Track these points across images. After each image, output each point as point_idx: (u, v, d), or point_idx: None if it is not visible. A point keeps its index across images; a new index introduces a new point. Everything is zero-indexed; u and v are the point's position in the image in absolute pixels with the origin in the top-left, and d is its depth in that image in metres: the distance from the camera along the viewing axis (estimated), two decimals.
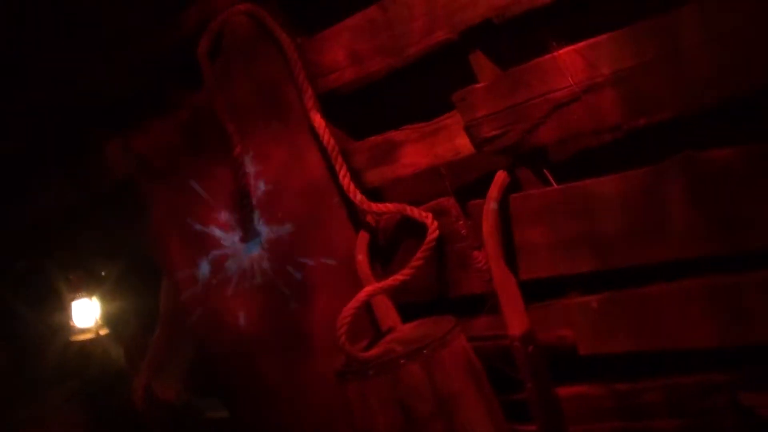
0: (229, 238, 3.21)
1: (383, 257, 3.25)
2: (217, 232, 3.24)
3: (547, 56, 2.50)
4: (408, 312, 3.10)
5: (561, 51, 2.46)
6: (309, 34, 3.24)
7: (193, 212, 3.32)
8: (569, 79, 2.45)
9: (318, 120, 3.10)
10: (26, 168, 4.38)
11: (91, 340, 5.46)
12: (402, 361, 2.60)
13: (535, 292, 2.83)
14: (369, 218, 3.19)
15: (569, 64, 2.44)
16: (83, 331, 5.47)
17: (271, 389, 3.31)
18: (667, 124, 2.37)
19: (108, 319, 5.32)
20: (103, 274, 5.18)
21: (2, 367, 5.64)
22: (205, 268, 3.30)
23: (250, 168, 3.16)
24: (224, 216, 3.25)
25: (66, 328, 5.54)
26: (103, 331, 5.43)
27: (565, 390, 2.84)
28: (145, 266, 3.75)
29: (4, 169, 4.37)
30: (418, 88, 3.11)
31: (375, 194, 3.19)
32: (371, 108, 3.27)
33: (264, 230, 3.16)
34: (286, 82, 3.17)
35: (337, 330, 2.69)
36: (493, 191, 2.78)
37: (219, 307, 3.33)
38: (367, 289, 2.91)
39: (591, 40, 2.40)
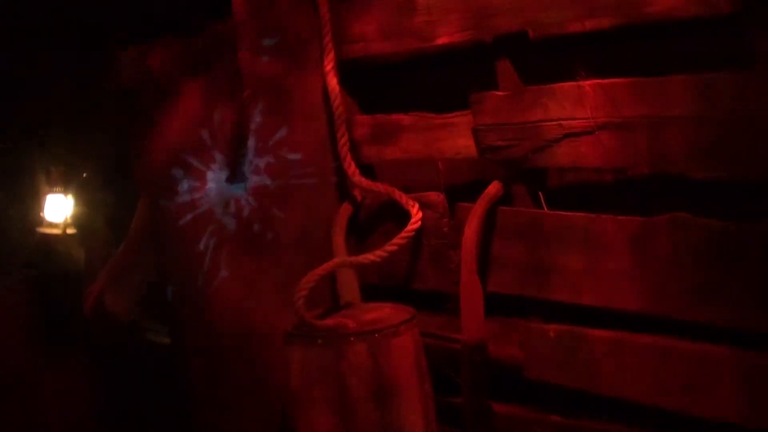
0: (215, 175, 3.20)
1: (360, 233, 3.26)
2: (205, 166, 3.23)
3: (572, 83, 2.49)
4: (369, 292, 3.11)
5: (587, 82, 2.45)
6: None
7: (186, 140, 3.30)
8: (588, 111, 2.45)
9: (333, 84, 3.10)
10: (36, 54, 4.35)
11: (57, 236, 5.45)
12: (352, 339, 2.61)
13: (498, 305, 2.84)
14: (356, 192, 3.20)
15: (591, 97, 2.43)
16: (51, 225, 5.45)
17: (218, 328, 3.29)
18: (673, 181, 2.36)
19: (77, 221, 5.31)
20: (84, 176, 5.16)
21: None
22: (184, 197, 3.28)
23: (256, 115, 3.14)
24: (216, 152, 3.23)
25: (36, 219, 5.52)
26: (71, 231, 5.41)
27: (501, 407, 2.85)
28: (126, 180, 3.73)
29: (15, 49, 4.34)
30: (438, 78, 3.11)
31: (368, 170, 3.20)
32: (387, 86, 3.27)
33: (252, 178, 3.14)
34: (313, 39, 3.16)
35: (297, 291, 2.70)
36: (484, 199, 2.78)
37: (185, 238, 3.31)
38: (337, 260, 2.92)
39: (620, 79, 2.39)
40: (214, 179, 3.18)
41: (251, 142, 3.14)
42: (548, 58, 2.68)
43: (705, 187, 2.38)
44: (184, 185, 3.24)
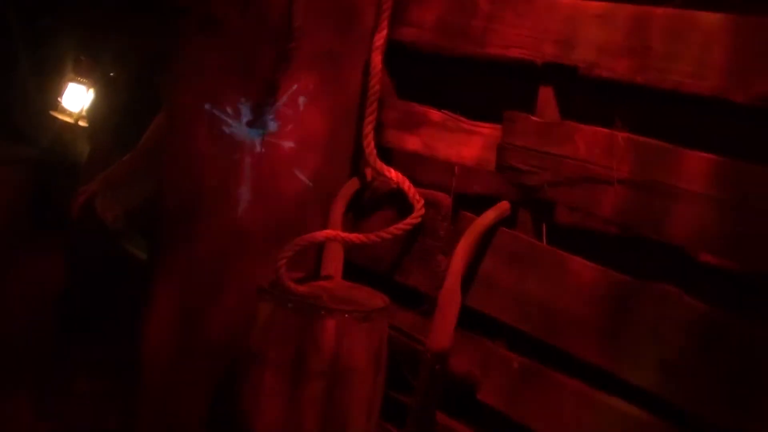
0: (239, 114, 3.18)
1: (359, 212, 3.26)
2: (233, 102, 3.21)
3: (607, 130, 2.48)
4: (351, 271, 3.11)
5: (621, 133, 2.44)
6: None
7: (222, 72, 3.27)
8: (613, 161, 2.44)
9: (377, 60, 3.09)
10: None
11: (67, 124, 5.45)
12: (322, 312, 2.61)
13: (471, 320, 2.84)
14: (367, 171, 3.19)
15: (621, 149, 2.43)
16: (66, 112, 5.45)
17: (203, 260, 3.26)
18: (674, 252, 2.36)
19: (91, 117, 5.30)
20: (110, 75, 5.15)
21: None
22: (205, 126, 3.25)
23: (293, 69, 3.12)
24: (247, 92, 3.21)
25: (52, 102, 5.52)
26: (82, 123, 5.41)
27: (446, 419, 2.86)
28: (149, 93, 3.72)
29: None
30: (478, 83, 3.10)
31: (384, 153, 3.18)
32: (426, 77, 3.26)
33: (273, 125, 3.13)
34: (368, 11, 3.15)
35: (282, 251, 2.70)
36: (490, 215, 2.78)
37: (194, 167, 3.29)
38: (329, 231, 2.92)
39: (652, 140, 2.39)
40: (239, 118, 3.16)
41: (282, 94, 3.12)
42: (591, 98, 2.67)
43: (703, 267, 2.39)
44: (209, 115, 3.22)
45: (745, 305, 2.22)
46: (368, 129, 3.07)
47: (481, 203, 2.85)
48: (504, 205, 2.79)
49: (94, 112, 5.29)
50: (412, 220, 2.92)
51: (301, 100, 3.13)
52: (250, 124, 3.12)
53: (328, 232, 2.92)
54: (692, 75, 2.30)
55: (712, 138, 2.32)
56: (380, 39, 3.11)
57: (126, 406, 3.42)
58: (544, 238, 2.72)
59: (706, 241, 2.28)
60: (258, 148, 3.12)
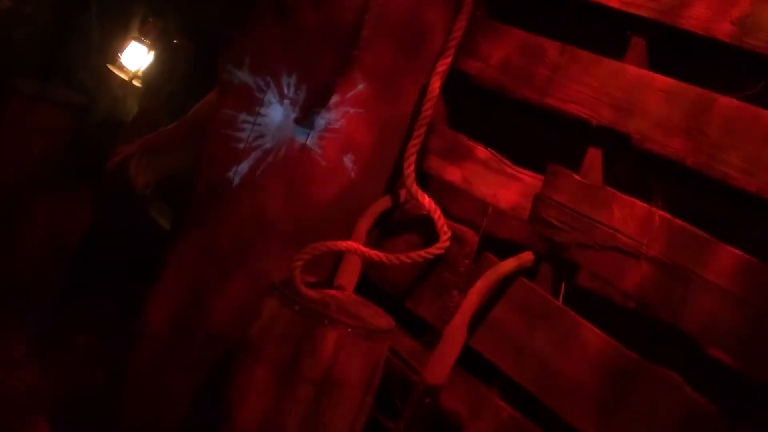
0: (289, 108, 3.18)
1: (385, 230, 3.25)
2: (286, 95, 3.21)
3: (646, 205, 2.47)
4: (364, 286, 3.10)
5: (659, 211, 2.43)
6: (490, 14, 3.22)
7: (282, 63, 3.28)
8: (645, 237, 2.42)
9: (435, 86, 3.09)
10: None
11: (121, 80, 5.48)
12: (326, 321, 2.60)
13: (470, 360, 2.82)
14: (402, 192, 3.18)
15: (656, 227, 2.41)
16: (123, 68, 5.49)
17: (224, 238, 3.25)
18: (686, 339, 2.34)
19: (146, 78, 5.33)
20: (174, 41, 5.18)
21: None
22: (252, 110, 3.26)
23: (354, 77, 3.12)
24: (300, 87, 3.22)
25: (111, 56, 5.56)
26: (136, 82, 5.44)
27: None
28: (208, 69, 3.72)
29: None
30: (529, 128, 3.10)
31: (422, 178, 3.18)
32: (481, 113, 3.26)
33: (318, 131, 3.13)
34: (438, 36, 3.15)
35: (300, 253, 2.70)
36: (512, 262, 2.76)
37: (233, 150, 3.29)
38: (352, 243, 2.91)
39: (688, 225, 2.37)
40: (286, 112, 3.16)
41: (336, 97, 3.12)
42: (637, 169, 2.66)
43: (712, 362, 2.36)
44: (259, 102, 3.22)
45: (745, 409, 2.20)
46: (412, 151, 3.07)
47: (506, 248, 2.84)
48: (528, 256, 2.78)
49: (149, 75, 5.32)
50: (435, 250, 2.91)
51: (353, 109, 3.13)
52: (298, 121, 3.12)
53: (349, 244, 2.91)
54: (742, 170, 2.29)
55: (749, 236, 2.31)
56: (443, 65, 3.11)
57: (117, 367, 3.42)
58: (561, 297, 2.70)
59: (719, 336, 2.26)
60: (300, 147, 3.12)
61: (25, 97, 5.00)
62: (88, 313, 4.32)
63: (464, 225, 3.01)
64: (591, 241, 2.57)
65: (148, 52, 5.41)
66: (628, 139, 2.61)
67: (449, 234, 2.95)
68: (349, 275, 3.04)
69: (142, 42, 5.45)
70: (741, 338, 2.20)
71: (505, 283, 2.78)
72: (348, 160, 3.16)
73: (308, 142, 3.12)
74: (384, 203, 3.20)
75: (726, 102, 2.39)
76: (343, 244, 2.89)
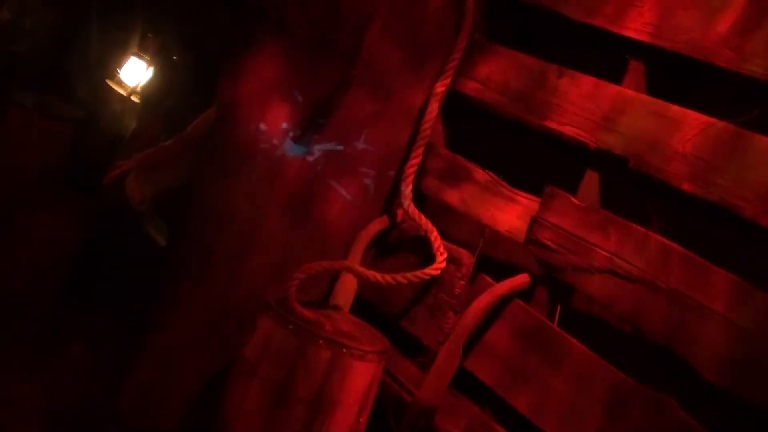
0: (286, 126, 3.18)
1: (381, 249, 3.25)
2: (284, 113, 3.21)
3: (642, 229, 2.47)
4: (360, 306, 3.09)
5: (656, 235, 2.43)
6: (489, 36, 3.23)
7: (282, 80, 3.28)
8: (642, 261, 2.43)
9: (434, 107, 3.10)
10: None
11: (120, 96, 5.48)
12: (321, 341, 2.59)
13: (464, 382, 2.82)
14: (399, 212, 3.18)
15: (652, 251, 2.41)
16: (121, 84, 5.48)
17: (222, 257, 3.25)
18: (683, 364, 2.34)
19: (144, 95, 5.33)
20: (174, 58, 5.19)
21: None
22: (251, 127, 3.25)
23: (351, 96, 3.12)
24: (297, 104, 3.22)
25: (110, 72, 5.56)
26: (135, 98, 5.44)
27: None
28: (207, 85, 3.72)
29: None
30: (525, 151, 3.10)
31: (420, 198, 3.18)
32: (479, 134, 3.26)
33: (313, 151, 3.13)
34: (436, 57, 3.15)
35: (296, 272, 2.69)
36: (508, 284, 2.76)
37: (231, 164, 3.28)
38: (348, 263, 2.91)
39: (683, 250, 2.37)
40: (284, 132, 3.16)
41: (333, 117, 3.12)
42: (634, 192, 2.66)
43: (707, 386, 2.36)
44: (257, 118, 3.22)
45: None
46: (409, 171, 3.07)
47: (502, 270, 2.84)
48: (524, 278, 2.78)
49: (148, 91, 5.32)
50: (431, 271, 2.90)
51: (351, 128, 3.13)
52: (296, 139, 3.12)
53: (345, 263, 2.91)
54: (737, 195, 2.29)
55: (746, 261, 2.31)
56: (442, 86, 3.12)
57: (112, 380, 3.40)
58: (556, 319, 2.70)
59: (715, 361, 2.26)
60: (298, 165, 3.12)
61: (24, 110, 5.00)
62: (83, 325, 4.31)
63: (461, 246, 3.00)
64: (587, 264, 2.57)
65: (148, 67, 5.41)
66: (626, 163, 2.61)
67: (446, 255, 2.95)
68: (344, 294, 3.03)
69: (141, 57, 5.45)
70: (735, 363, 2.21)
71: (501, 305, 2.77)
72: (345, 177, 3.16)
73: (306, 161, 3.12)
74: (380, 223, 3.19)
75: (723, 127, 2.39)
76: (339, 264, 2.89)
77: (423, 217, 3.02)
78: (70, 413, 3.60)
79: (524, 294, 2.78)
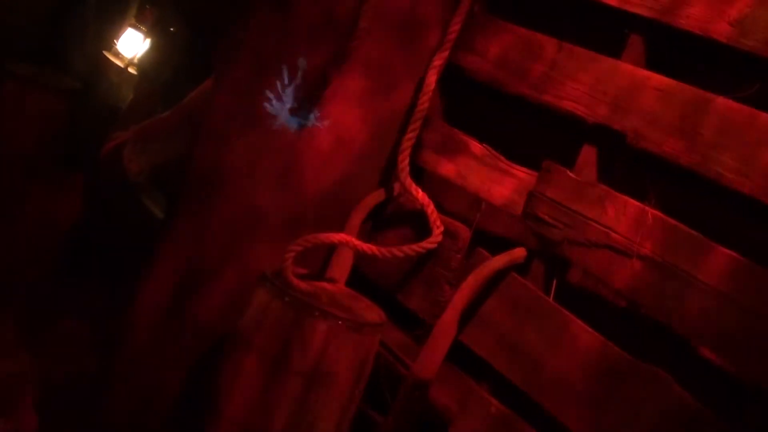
0: (284, 99, 3.17)
1: (378, 223, 3.25)
2: (281, 86, 3.20)
3: (640, 204, 2.47)
4: (356, 278, 3.10)
5: (653, 210, 2.43)
6: (488, 9, 3.21)
7: (280, 54, 3.26)
8: (638, 236, 2.43)
9: (431, 80, 3.08)
10: None
11: (117, 67, 5.47)
12: (317, 313, 2.59)
13: (459, 355, 2.82)
14: (396, 185, 3.18)
15: (649, 226, 2.41)
16: (118, 55, 5.47)
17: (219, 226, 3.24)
18: (679, 339, 2.34)
19: (141, 66, 5.32)
20: (171, 29, 5.17)
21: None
22: (247, 95, 3.24)
23: (349, 70, 3.11)
24: (295, 77, 3.20)
25: (107, 43, 5.54)
26: (131, 70, 5.43)
27: None
28: (204, 56, 3.71)
29: None
30: (523, 125, 3.09)
31: (417, 172, 3.17)
32: (475, 105, 3.25)
33: (313, 118, 3.12)
34: (434, 29, 3.14)
35: (292, 245, 2.69)
36: (504, 257, 2.76)
37: (226, 137, 3.27)
38: (344, 236, 2.90)
39: (681, 225, 2.37)
40: (282, 102, 3.15)
41: (330, 90, 3.11)
42: (631, 167, 2.66)
43: (702, 361, 2.37)
44: (254, 91, 3.20)
45: (734, 409, 2.20)
46: (406, 145, 3.06)
47: (499, 244, 2.84)
48: (520, 252, 2.78)
49: (145, 62, 5.31)
50: (428, 244, 2.90)
51: (348, 100, 3.12)
52: (292, 112, 3.11)
53: (342, 236, 2.91)
54: (736, 171, 2.29)
55: (742, 236, 2.31)
56: (440, 59, 3.11)
57: (105, 357, 3.41)
58: (552, 293, 2.70)
59: (711, 336, 2.27)
60: (293, 137, 3.11)
61: (20, 81, 4.98)
62: (78, 300, 4.31)
63: (457, 220, 3.00)
64: (583, 239, 2.57)
65: (145, 39, 5.39)
66: (624, 138, 2.60)
67: (442, 228, 2.94)
68: (341, 267, 3.03)
69: (138, 29, 5.43)
70: (732, 338, 2.21)
71: (497, 278, 2.78)
72: (341, 150, 3.15)
73: (302, 133, 3.11)
74: (377, 197, 3.19)
75: (722, 102, 2.39)
76: (336, 237, 2.88)
77: (420, 190, 3.02)
78: (65, 386, 3.60)
79: (520, 268, 2.78)
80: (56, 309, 4.18)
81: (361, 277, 3.15)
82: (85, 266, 4.45)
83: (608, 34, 2.77)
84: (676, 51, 2.68)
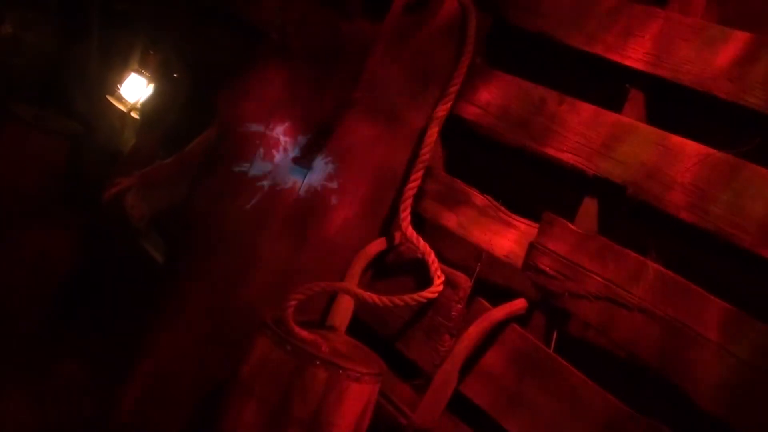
0: (287, 149, 3.19)
1: (378, 271, 3.25)
2: (283, 135, 3.23)
3: (640, 257, 2.48)
4: (356, 326, 3.09)
5: (653, 264, 2.44)
6: (488, 61, 3.24)
7: (280, 103, 3.30)
8: (639, 289, 2.44)
9: (433, 131, 3.11)
10: None
11: (120, 112, 5.49)
12: (318, 362, 2.59)
13: (460, 405, 2.82)
14: (397, 234, 3.19)
15: (650, 280, 2.43)
16: (121, 100, 5.49)
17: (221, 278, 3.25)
18: (676, 390, 2.35)
19: (144, 112, 5.34)
20: (174, 75, 5.20)
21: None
22: (250, 143, 3.26)
23: (351, 119, 3.14)
24: (298, 126, 3.23)
25: (110, 88, 5.57)
26: (134, 115, 5.45)
27: None
28: (207, 106, 3.73)
29: None
30: (524, 176, 3.11)
31: (418, 221, 3.18)
32: (478, 159, 3.27)
33: (317, 167, 3.14)
34: (437, 80, 3.17)
35: (293, 293, 2.69)
36: (505, 308, 2.77)
37: (228, 185, 3.28)
38: (345, 285, 2.92)
39: (680, 278, 2.39)
40: (284, 152, 3.17)
41: (334, 139, 3.13)
42: (632, 220, 2.68)
43: (702, 414, 2.37)
44: (258, 139, 3.23)
45: None
46: (408, 194, 3.08)
47: (499, 295, 2.85)
48: (521, 303, 2.79)
49: (148, 108, 5.33)
50: (428, 294, 2.91)
51: (351, 150, 3.14)
52: (296, 161, 3.13)
53: (343, 285, 2.91)
54: (735, 225, 2.31)
55: (743, 291, 2.32)
56: (442, 111, 3.13)
57: (105, 397, 3.39)
58: (553, 345, 2.70)
59: (709, 389, 2.27)
60: (297, 186, 3.13)
61: (22, 123, 5.00)
62: (75, 344, 4.30)
63: (458, 270, 3.01)
64: (584, 291, 2.58)
65: (148, 84, 5.42)
66: (624, 190, 2.62)
67: (443, 278, 2.95)
68: (341, 315, 3.03)
69: (141, 74, 5.47)
70: (730, 391, 2.22)
71: (498, 329, 2.78)
72: (345, 198, 3.16)
73: (306, 182, 3.13)
74: (378, 245, 3.20)
75: (722, 157, 2.41)
76: (337, 285, 2.89)
77: (421, 239, 3.03)
78: (63, 428, 3.59)
79: (521, 318, 2.79)
80: (56, 351, 4.17)
81: (362, 326, 3.15)
82: (83, 309, 4.44)
83: (610, 87, 2.80)
84: (677, 105, 2.71)
